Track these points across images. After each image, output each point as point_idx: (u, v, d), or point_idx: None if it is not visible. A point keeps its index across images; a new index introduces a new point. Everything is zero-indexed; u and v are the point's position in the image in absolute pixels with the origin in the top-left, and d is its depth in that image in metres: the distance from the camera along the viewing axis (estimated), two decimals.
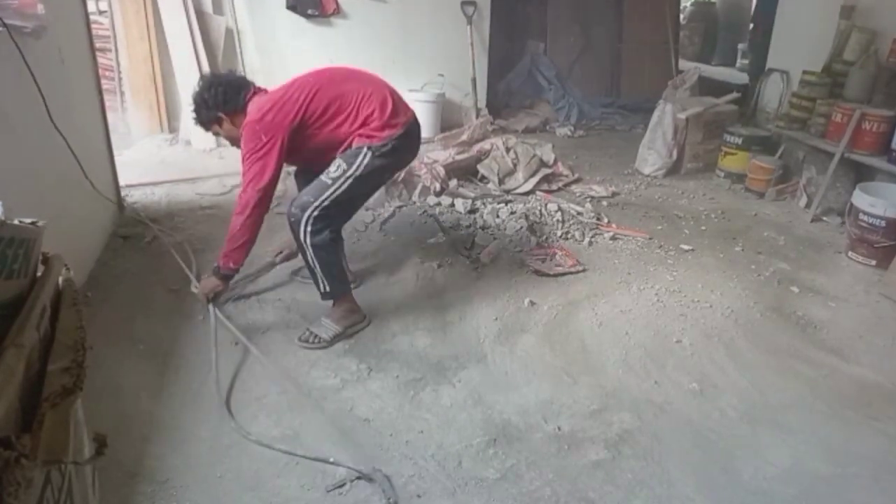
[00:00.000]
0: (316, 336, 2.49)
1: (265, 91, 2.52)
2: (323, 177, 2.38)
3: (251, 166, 2.32)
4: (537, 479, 1.91)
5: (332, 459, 1.92)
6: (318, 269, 2.44)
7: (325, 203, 2.35)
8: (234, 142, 2.51)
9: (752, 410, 2.28)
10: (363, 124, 2.37)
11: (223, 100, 2.42)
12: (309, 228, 2.36)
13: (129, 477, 1.83)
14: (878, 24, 4.30)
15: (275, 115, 2.32)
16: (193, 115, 2.51)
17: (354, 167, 2.35)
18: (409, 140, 2.47)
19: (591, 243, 3.51)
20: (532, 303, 2.88)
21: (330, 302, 2.56)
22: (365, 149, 2.35)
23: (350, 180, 2.35)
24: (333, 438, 2.03)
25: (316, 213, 2.35)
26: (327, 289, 2.49)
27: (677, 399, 2.32)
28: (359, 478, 1.86)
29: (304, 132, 2.37)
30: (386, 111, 2.38)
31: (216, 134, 2.58)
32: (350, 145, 2.40)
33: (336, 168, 2.36)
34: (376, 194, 3.77)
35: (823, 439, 2.14)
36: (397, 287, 2.99)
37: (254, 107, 2.39)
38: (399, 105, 2.46)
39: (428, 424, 2.13)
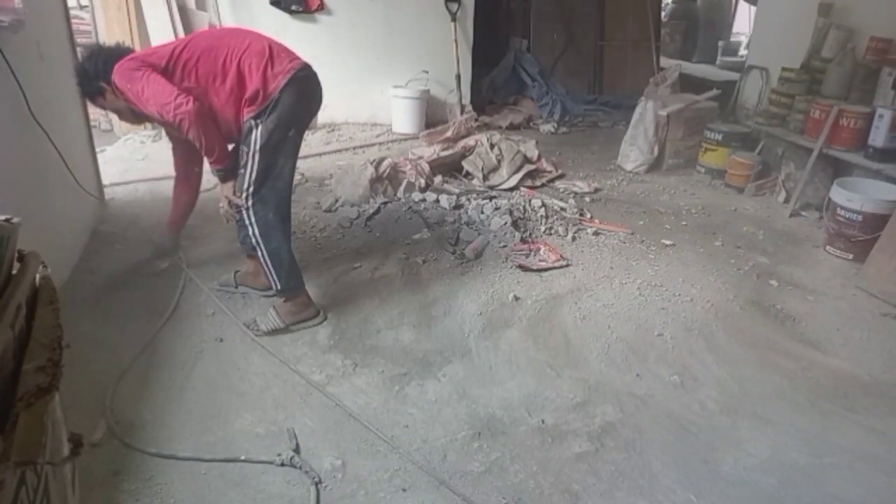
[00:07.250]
0: (256, 325, 2.55)
1: None
2: (239, 171, 2.43)
3: (150, 95, 2.25)
4: (521, 472, 1.93)
5: (242, 457, 1.91)
6: (269, 264, 2.49)
7: (251, 187, 2.39)
8: (122, 114, 2.51)
9: (731, 402, 2.31)
10: (247, 94, 2.33)
11: (104, 69, 2.33)
12: (252, 218, 2.43)
13: (113, 475, 1.82)
14: (855, 22, 4.37)
15: (144, 56, 2.35)
16: (78, 87, 2.45)
17: (253, 143, 2.35)
18: (299, 87, 2.38)
19: (574, 238, 3.54)
20: (516, 297, 2.90)
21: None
22: (251, 122, 2.34)
23: (257, 155, 2.36)
24: (318, 434, 2.04)
25: (250, 200, 2.41)
26: (279, 286, 2.53)
27: (658, 392, 2.35)
28: (282, 464, 1.88)
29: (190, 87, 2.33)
30: (261, 65, 2.32)
31: (102, 108, 2.55)
32: (242, 126, 2.40)
33: (241, 156, 2.40)
34: (361, 191, 3.81)
35: (801, 430, 2.19)
36: (382, 283, 2.99)
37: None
38: (280, 55, 2.39)
39: (413, 419, 2.14)
